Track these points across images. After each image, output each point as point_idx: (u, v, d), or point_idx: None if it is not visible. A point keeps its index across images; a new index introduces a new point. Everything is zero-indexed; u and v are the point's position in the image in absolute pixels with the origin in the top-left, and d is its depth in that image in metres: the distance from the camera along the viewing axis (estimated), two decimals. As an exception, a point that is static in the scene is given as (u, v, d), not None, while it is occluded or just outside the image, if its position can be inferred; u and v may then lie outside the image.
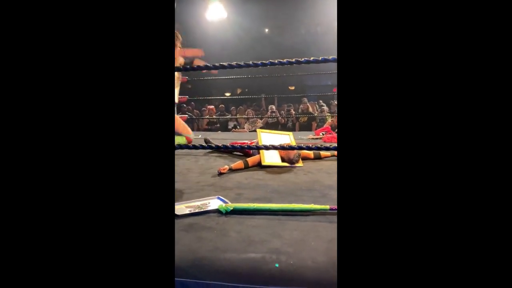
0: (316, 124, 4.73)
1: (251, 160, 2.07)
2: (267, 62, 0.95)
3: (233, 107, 5.83)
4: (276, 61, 0.93)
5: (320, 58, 0.91)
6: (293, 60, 0.95)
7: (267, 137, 2.29)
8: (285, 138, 2.37)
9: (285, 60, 0.95)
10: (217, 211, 1.18)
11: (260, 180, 1.73)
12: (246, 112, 5.32)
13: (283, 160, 2.09)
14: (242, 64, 0.96)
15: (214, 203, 1.24)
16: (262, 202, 1.26)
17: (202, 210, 1.19)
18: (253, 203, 1.22)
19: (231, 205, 1.19)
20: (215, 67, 1.00)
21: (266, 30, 8.24)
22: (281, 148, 1.16)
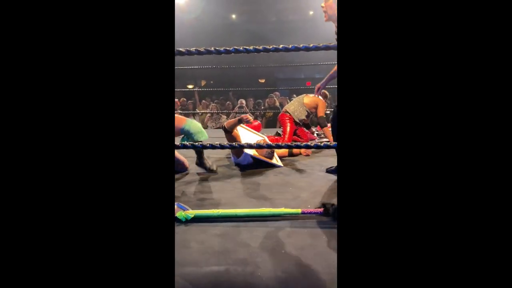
0: None
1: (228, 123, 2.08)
2: (230, 49, 0.92)
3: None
4: (241, 48, 0.91)
5: (301, 46, 0.89)
6: (271, 47, 0.92)
7: (245, 134, 2.28)
8: (260, 139, 2.38)
9: (261, 47, 0.91)
10: (176, 220, 1.14)
11: (227, 182, 1.71)
12: (210, 107, 5.23)
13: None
14: (203, 50, 0.93)
15: (172, 211, 1.20)
16: (228, 208, 1.24)
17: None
18: (217, 209, 1.19)
19: (191, 212, 1.15)
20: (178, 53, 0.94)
21: (233, 16, 8.20)
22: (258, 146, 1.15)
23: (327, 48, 0.93)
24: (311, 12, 7.61)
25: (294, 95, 6.08)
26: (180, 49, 0.92)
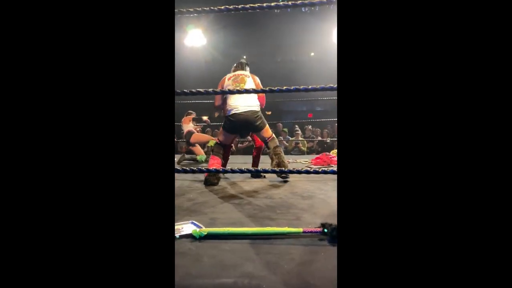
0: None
1: None
2: (242, 90, 1.03)
3: (208, 129, 5.95)
4: (276, 89, 1.01)
5: (301, 87, 1.00)
6: (276, 88, 1.03)
7: None
8: None
9: (267, 89, 1.03)
10: (191, 236, 1.18)
11: (236, 204, 1.76)
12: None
13: None
14: (218, 90, 1.03)
15: (187, 228, 1.24)
16: (237, 227, 1.28)
17: (174, 235, 1.18)
18: (228, 227, 1.24)
19: (205, 230, 1.20)
20: (206, 93, 1.05)
21: (244, 56, 8.62)
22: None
23: (323, 89, 1.03)
24: (312, 54, 8.04)
25: (296, 126, 6.30)
26: (185, 90, 1.03)
